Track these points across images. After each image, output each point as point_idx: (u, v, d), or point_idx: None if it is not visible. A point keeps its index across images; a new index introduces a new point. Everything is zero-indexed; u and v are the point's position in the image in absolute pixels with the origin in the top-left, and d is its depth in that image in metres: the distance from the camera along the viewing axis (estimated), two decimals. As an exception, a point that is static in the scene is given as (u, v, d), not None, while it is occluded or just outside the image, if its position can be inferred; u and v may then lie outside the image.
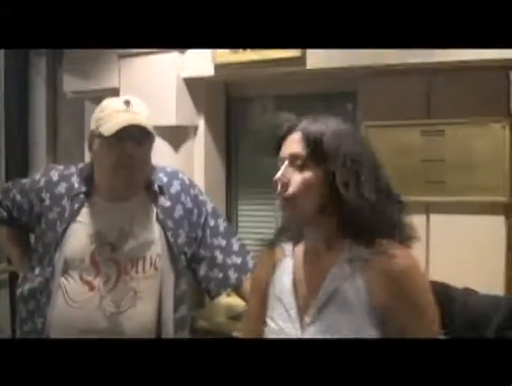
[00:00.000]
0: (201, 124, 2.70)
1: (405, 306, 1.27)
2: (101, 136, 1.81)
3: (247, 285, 1.99)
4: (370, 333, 1.31)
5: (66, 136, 3.25)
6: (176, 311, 1.96)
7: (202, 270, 2.04)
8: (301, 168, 1.32)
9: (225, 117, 2.87)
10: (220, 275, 2.03)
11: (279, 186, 1.34)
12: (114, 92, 2.59)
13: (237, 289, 2.05)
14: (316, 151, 1.32)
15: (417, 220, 2.34)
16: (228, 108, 2.87)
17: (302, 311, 1.37)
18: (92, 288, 1.86)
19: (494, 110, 2.19)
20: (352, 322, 1.31)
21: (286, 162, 1.33)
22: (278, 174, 1.32)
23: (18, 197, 2.00)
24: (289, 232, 1.48)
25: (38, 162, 3.25)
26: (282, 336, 1.40)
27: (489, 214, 2.20)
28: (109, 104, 1.88)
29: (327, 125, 1.37)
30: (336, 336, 1.31)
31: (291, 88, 2.71)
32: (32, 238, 2.10)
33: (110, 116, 1.82)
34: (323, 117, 1.39)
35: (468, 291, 2.10)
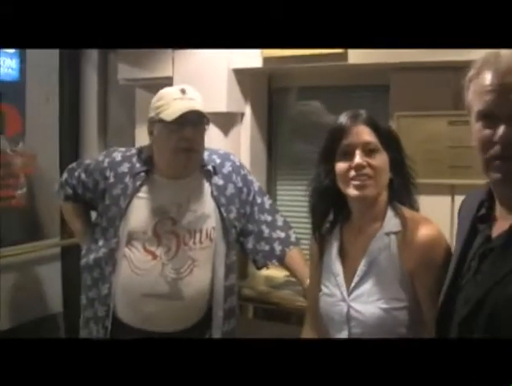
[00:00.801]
0: (247, 111, 2.93)
1: (430, 271, 1.47)
2: (161, 121, 2.05)
3: (290, 256, 2.25)
4: (402, 297, 1.53)
5: (116, 121, 3.44)
6: (226, 279, 2.19)
7: (250, 243, 2.28)
8: (373, 153, 1.55)
9: (268, 105, 3.09)
10: (267, 247, 2.27)
11: (355, 171, 1.54)
12: (168, 81, 2.82)
13: (281, 261, 2.28)
14: (384, 139, 1.57)
15: (443, 200, 2.56)
16: (270, 97, 3.09)
17: (347, 278, 1.62)
18: (155, 257, 2.10)
19: None
20: (387, 288, 1.54)
21: (359, 150, 1.55)
22: (358, 159, 1.53)
23: (83, 176, 2.25)
24: (331, 215, 1.71)
25: (89, 146, 3.45)
26: (332, 299, 1.65)
27: None
28: (167, 92, 2.12)
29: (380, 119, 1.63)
30: (374, 299, 1.54)
31: (327, 79, 2.91)
32: (93, 214, 2.31)
33: (169, 103, 2.05)
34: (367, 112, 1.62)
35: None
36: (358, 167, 1.53)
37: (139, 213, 2.12)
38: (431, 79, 2.50)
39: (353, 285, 1.60)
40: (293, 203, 3.04)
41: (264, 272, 2.81)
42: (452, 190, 2.51)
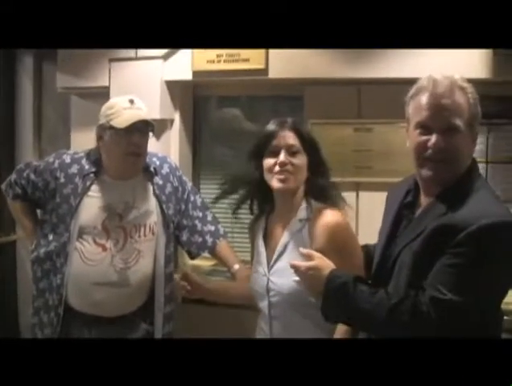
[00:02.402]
0: (176, 118, 3.19)
1: (334, 250, 1.80)
2: (112, 128, 2.23)
3: (220, 247, 2.55)
4: None
5: (51, 127, 3.56)
6: (166, 267, 2.41)
7: (184, 236, 2.51)
8: (295, 154, 1.90)
9: (193, 113, 3.37)
10: (200, 240, 2.52)
11: (279, 167, 1.87)
12: (104, 90, 3.05)
13: (212, 251, 2.56)
14: (305, 144, 1.92)
15: (349, 196, 2.97)
16: (194, 105, 3.37)
17: (269, 257, 1.98)
18: (104, 249, 2.28)
19: None
20: None
21: (283, 151, 1.89)
22: (282, 158, 1.87)
23: (32, 176, 2.38)
24: (257, 205, 2.04)
25: (24, 151, 3.56)
26: (257, 275, 2.00)
27: None
28: (116, 102, 2.31)
29: (304, 126, 1.98)
30: (288, 273, 1.82)
31: (248, 90, 3.24)
32: (39, 212, 2.44)
33: (119, 112, 2.24)
34: (294, 119, 1.97)
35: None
36: (282, 164, 1.87)
37: (89, 210, 2.29)
38: (339, 91, 2.88)
39: (272, 262, 1.95)
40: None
41: (191, 262, 3.04)
42: (356, 187, 2.91)
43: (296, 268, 1.72)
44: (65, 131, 3.41)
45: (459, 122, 1.57)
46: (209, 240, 2.55)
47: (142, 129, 2.26)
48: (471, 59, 2.59)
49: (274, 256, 1.96)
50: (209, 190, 3.40)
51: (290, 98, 3.18)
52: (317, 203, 1.94)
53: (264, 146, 1.93)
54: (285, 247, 1.94)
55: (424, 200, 1.67)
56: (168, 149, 3.15)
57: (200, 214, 2.56)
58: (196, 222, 2.54)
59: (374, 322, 1.57)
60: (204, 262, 2.97)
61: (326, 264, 1.69)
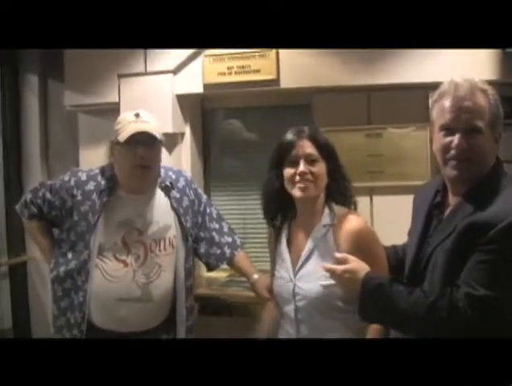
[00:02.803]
0: (187, 131, 3.21)
1: (359, 254, 1.82)
2: (118, 143, 2.25)
3: (238, 258, 2.56)
4: None
5: (58, 145, 3.57)
6: (187, 280, 2.41)
7: (203, 248, 2.51)
8: (314, 163, 1.94)
9: (202, 126, 3.39)
10: (218, 251, 2.52)
11: (299, 177, 1.92)
12: (114, 106, 3.07)
13: (230, 262, 2.57)
14: (323, 152, 1.96)
15: (362, 200, 3.00)
16: (203, 118, 3.40)
17: (294, 262, 2.02)
18: (126, 264, 2.28)
19: (418, 118, 2.84)
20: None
21: (302, 160, 1.94)
22: (302, 168, 1.92)
23: (48, 195, 2.37)
24: (281, 212, 2.08)
25: (32, 169, 3.55)
26: (282, 280, 2.03)
27: None
28: (123, 117, 2.32)
29: (321, 134, 2.01)
30: (315, 278, 1.92)
31: (255, 101, 3.27)
32: (56, 231, 2.39)
33: (124, 126, 2.26)
34: (311, 127, 2.02)
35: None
36: (302, 174, 1.92)
37: (108, 226, 2.29)
38: (347, 98, 2.92)
39: (297, 267, 1.99)
40: (224, 211, 3.20)
41: (207, 274, 3.07)
42: (370, 192, 2.95)
43: (332, 272, 1.76)
44: (73, 148, 3.41)
45: (480, 123, 1.63)
46: (227, 251, 2.56)
47: (147, 141, 2.26)
48: (479, 60, 2.63)
49: (300, 262, 1.99)
50: (220, 201, 3.42)
51: (297, 107, 3.20)
52: (338, 208, 1.99)
53: (283, 156, 1.98)
54: (310, 252, 1.98)
55: (452, 200, 1.73)
56: (179, 162, 3.17)
57: (217, 226, 2.57)
58: (214, 234, 2.55)
59: (412, 320, 1.62)
60: (219, 274, 2.98)
61: (361, 267, 1.74)
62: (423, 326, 1.61)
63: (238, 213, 3.39)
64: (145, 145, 2.25)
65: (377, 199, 2.95)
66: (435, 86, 2.64)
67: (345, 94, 2.93)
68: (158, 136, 2.29)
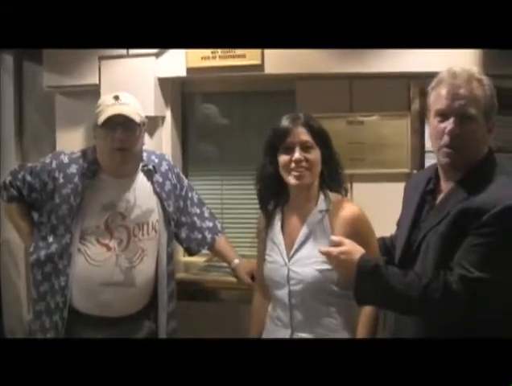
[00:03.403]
0: (168, 114, 3.19)
1: (354, 240, 1.85)
2: (97, 126, 2.25)
3: (219, 242, 2.58)
4: None
5: (33, 127, 3.50)
6: (168, 265, 2.42)
7: (184, 233, 2.53)
8: (309, 150, 1.95)
9: (182, 109, 3.36)
10: (199, 236, 2.54)
11: (294, 164, 1.93)
12: (94, 88, 3.03)
13: (211, 247, 2.59)
14: (318, 139, 1.97)
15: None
16: (183, 102, 3.36)
17: (287, 247, 2.03)
18: (109, 249, 2.28)
19: (399, 107, 2.90)
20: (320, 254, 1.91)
21: (298, 147, 1.94)
22: (297, 155, 1.93)
23: (28, 177, 2.34)
24: (274, 198, 2.09)
25: (6, 151, 3.49)
26: (275, 265, 2.04)
27: (396, 181, 2.74)
28: (103, 100, 2.31)
29: (315, 121, 2.01)
30: (311, 262, 1.95)
31: (236, 86, 3.24)
32: (35, 214, 2.38)
33: (103, 109, 2.25)
34: (306, 114, 2.03)
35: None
36: (297, 161, 1.93)
37: (91, 210, 2.28)
38: (330, 85, 2.94)
39: (292, 252, 2.01)
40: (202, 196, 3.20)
41: (184, 259, 3.13)
42: (350, 179, 2.93)
43: (328, 254, 1.78)
44: (49, 130, 3.34)
45: (474, 111, 1.69)
46: (208, 236, 2.57)
47: (126, 124, 2.24)
48: (462, 52, 2.65)
49: (295, 246, 2.01)
50: (197, 186, 3.36)
51: (280, 93, 3.19)
52: (333, 194, 2.02)
53: (278, 143, 1.99)
54: (306, 237, 1.99)
55: (445, 186, 1.78)
56: (160, 146, 3.14)
57: (198, 210, 2.58)
58: (195, 219, 2.56)
59: (406, 301, 1.66)
60: (198, 259, 2.98)
61: (357, 249, 1.77)
62: (417, 306, 1.66)
63: (216, 198, 3.38)
64: (123, 127, 2.23)
65: (357, 185, 2.97)
66: (416, 76, 2.74)
67: (328, 81, 2.93)
68: (138, 118, 2.27)
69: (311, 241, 1.98)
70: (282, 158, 1.97)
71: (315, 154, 1.97)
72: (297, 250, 2.00)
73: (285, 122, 1.99)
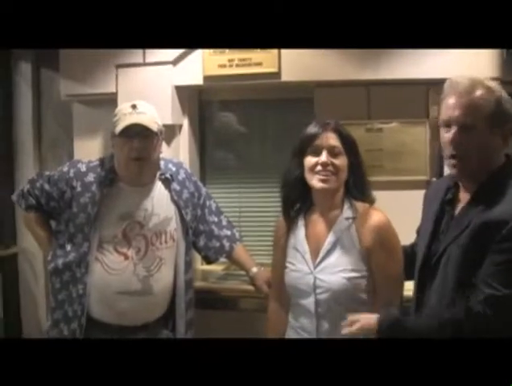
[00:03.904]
0: (185, 123, 3.19)
1: (382, 248, 1.89)
2: (115, 135, 2.24)
3: (237, 251, 2.56)
4: (360, 268, 1.94)
5: (51, 135, 3.52)
6: (186, 274, 2.41)
7: (202, 241, 2.51)
8: (336, 155, 1.94)
9: (199, 117, 3.36)
10: (217, 244, 2.52)
11: (321, 167, 1.92)
12: (111, 96, 3.04)
13: (229, 255, 2.57)
14: (346, 145, 1.96)
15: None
16: (200, 110, 3.37)
17: (313, 255, 2.00)
18: (126, 257, 2.28)
19: (417, 114, 2.89)
20: (348, 262, 1.95)
21: (325, 151, 1.93)
22: (324, 158, 1.92)
23: (46, 186, 2.35)
24: (298, 203, 2.08)
25: (24, 160, 3.51)
26: (300, 273, 2.02)
27: (414, 189, 2.75)
28: (120, 109, 2.31)
29: (345, 128, 2.01)
30: (338, 270, 1.94)
31: (254, 94, 3.24)
32: (53, 222, 2.39)
33: (120, 118, 2.25)
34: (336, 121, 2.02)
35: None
36: (324, 164, 1.92)
37: (109, 219, 2.28)
38: (348, 93, 2.93)
39: (318, 260, 1.99)
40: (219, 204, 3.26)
41: (202, 267, 3.13)
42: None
43: (350, 333, 1.82)
44: (66, 139, 3.37)
45: (474, 120, 1.66)
46: (226, 244, 2.55)
47: (143, 133, 2.24)
48: (480, 58, 2.63)
49: (321, 254, 1.99)
50: (215, 194, 3.36)
51: (298, 100, 3.19)
52: (358, 203, 2.00)
53: (306, 146, 1.98)
54: (333, 245, 1.98)
55: (463, 196, 1.76)
56: (178, 154, 3.14)
57: (216, 219, 2.56)
58: (213, 227, 2.54)
59: (433, 335, 1.66)
60: (216, 267, 2.97)
61: (370, 318, 1.80)
62: (445, 336, 1.64)
63: (234, 206, 3.37)
64: (140, 137, 2.23)
65: (375, 193, 2.90)
66: (435, 82, 2.71)
67: (346, 88, 2.92)
68: (156, 127, 2.27)
69: (338, 249, 1.97)
70: (309, 160, 1.96)
71: (343, 161, 1.96)
72: (323, 258, 1.98)
73: (314, 127, 1.99)
